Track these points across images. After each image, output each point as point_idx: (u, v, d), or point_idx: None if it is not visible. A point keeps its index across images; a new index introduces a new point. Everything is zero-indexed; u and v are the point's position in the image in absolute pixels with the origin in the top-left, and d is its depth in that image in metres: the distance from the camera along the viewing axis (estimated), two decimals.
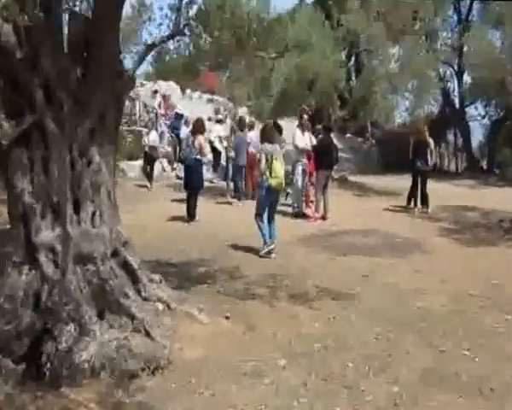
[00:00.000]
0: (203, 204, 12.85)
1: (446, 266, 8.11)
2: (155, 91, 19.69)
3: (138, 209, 12.29)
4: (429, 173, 12.89)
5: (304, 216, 12.03)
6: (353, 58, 17.00)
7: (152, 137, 15.63)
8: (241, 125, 14.04)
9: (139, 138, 19.11)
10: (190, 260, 8.11)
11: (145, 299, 5.14)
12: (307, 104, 15.59)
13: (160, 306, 5.17)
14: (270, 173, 8.64)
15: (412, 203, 12.83)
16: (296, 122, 12.91)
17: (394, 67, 15.57)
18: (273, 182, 8.68)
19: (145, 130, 19.87)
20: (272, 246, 8.64)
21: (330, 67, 13.51)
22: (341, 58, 13.98)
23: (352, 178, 17.69)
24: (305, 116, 12.88)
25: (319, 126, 13.20)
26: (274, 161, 8.71)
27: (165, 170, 17.27)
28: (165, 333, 4.78)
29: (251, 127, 14.10)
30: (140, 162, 18.03)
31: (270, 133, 9.23)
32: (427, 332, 5.60)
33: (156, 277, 5.71)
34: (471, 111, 23.10)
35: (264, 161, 8.74)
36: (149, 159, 15.49)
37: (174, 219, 11.50)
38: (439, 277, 7.53)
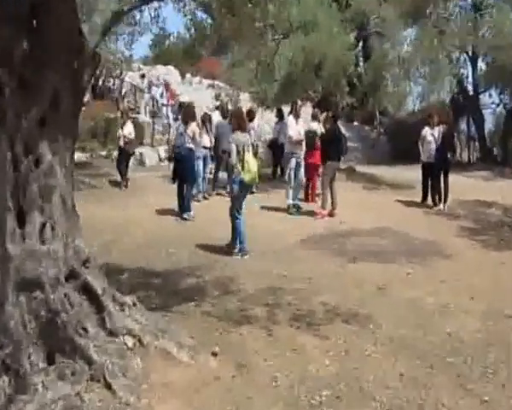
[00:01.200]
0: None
1: (473, 276, 6.97)
2: (143, 76, 18.46)
3: (129, 204, 11.22)
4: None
5: (309, 213, 10.87)
6: (362, 41, 15.58)
7: (127, 130, 13.32)
8: (223, 111, 13.06)
9: (137, 127, 18.05)
10: (179, 269, 7.01)
11: (111, 333, 4.02)
12: (314, 90, 14.40)
13: (130, 341, 4.05)
14: (243, 167, 7.53)
15: (436, 199, 11.58)
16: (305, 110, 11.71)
17: (407, 51, 14.30)
18: (246, 177, 7.59)
19: (146, 119, 18.85)
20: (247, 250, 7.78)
21: (338, 49, 12.25)
22: (350, 40, 12.70)
23: (360, 168, 16.48)
24: (299, 102, 11.78)
25: (325, 114, 12.02)
26: (246, 153, 7.60)
27: (161, 160, 16.11)
28: (132, 383, 3.66)
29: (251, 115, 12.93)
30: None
31: (243, 120, 8.05)
32: (461, 370, 4.48)
33: (129, 299, 4.57)
34: (485, 99, 21.82)
35: (235, 152, 7.60)
36: (125, 154, 13.26)
37: (167, 214, 10.39)
38: (467, 290, 6.39)
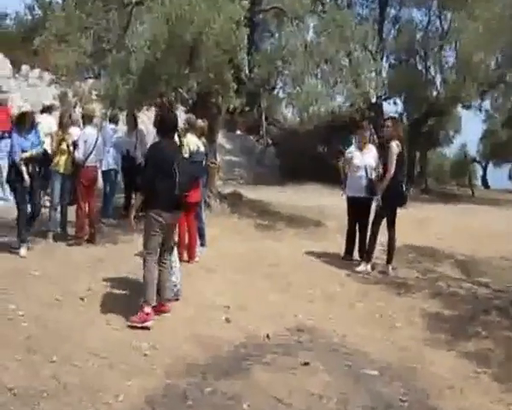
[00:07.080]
0: None
1: None
2: None
3: None
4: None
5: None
6: (253, 22, 10.89)
7: None
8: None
9: None
10: None
11: None
12: (187, 89, 9.58)
13: None
14: None
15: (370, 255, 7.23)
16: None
17: (312, 41, 10.08)
18: None
19: None
20: None
21: (223, 25, 7.67)
22: (241, 12, 8.04)
23: (247, 192, 11.91)
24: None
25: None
26: None
27: None
28: None
29: (87, 119, 7.86)
30: None
31: None
32: None
33: None
34: (390, 108, 18.75)
35: None
36: None
37: None
38: None
